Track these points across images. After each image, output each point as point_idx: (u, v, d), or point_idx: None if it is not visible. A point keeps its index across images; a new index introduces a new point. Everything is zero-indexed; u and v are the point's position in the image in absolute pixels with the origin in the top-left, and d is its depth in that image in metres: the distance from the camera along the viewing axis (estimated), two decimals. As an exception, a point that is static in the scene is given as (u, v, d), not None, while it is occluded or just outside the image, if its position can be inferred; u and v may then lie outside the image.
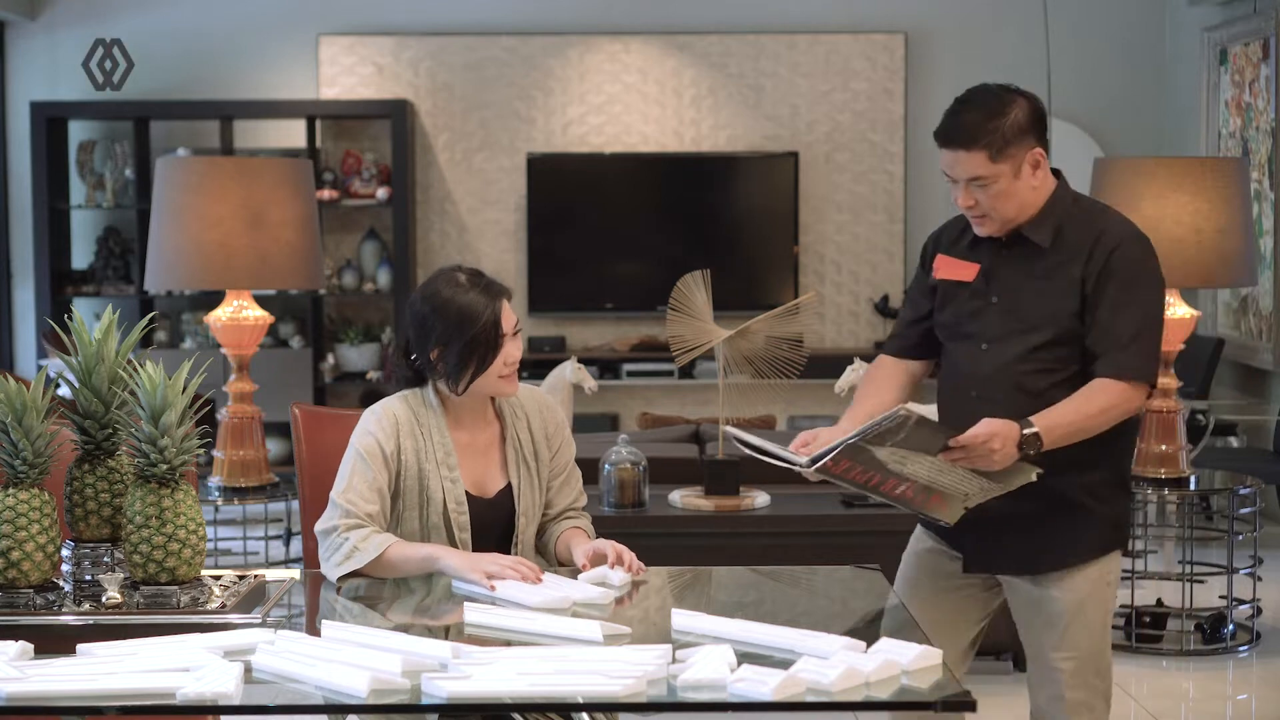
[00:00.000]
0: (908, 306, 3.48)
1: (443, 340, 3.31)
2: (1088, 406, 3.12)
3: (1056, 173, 3.30)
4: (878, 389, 3.41)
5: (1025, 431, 3.06)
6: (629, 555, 3.24)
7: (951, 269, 3.33)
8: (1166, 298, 5.49)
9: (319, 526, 3.28)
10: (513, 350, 3.34)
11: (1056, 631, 3.25)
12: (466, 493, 3.35)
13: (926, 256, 3.43)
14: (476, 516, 3.35)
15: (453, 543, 3.31)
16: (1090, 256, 3.18)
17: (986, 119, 3.14)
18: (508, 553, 3.36)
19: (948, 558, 3.33)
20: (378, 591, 3.17)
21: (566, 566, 3.32)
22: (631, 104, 9.01)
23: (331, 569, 3.22)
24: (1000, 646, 5.09)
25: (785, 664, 2.52)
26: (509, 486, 3.41)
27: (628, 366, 8.78)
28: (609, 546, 3.26)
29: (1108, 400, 3.13)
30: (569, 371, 4.96)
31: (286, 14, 8.95)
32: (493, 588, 3.07)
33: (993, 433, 3.02)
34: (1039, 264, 3.22)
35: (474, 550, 3.29)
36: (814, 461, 3.01)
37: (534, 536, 3.45)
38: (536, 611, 2.92)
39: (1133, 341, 3.14)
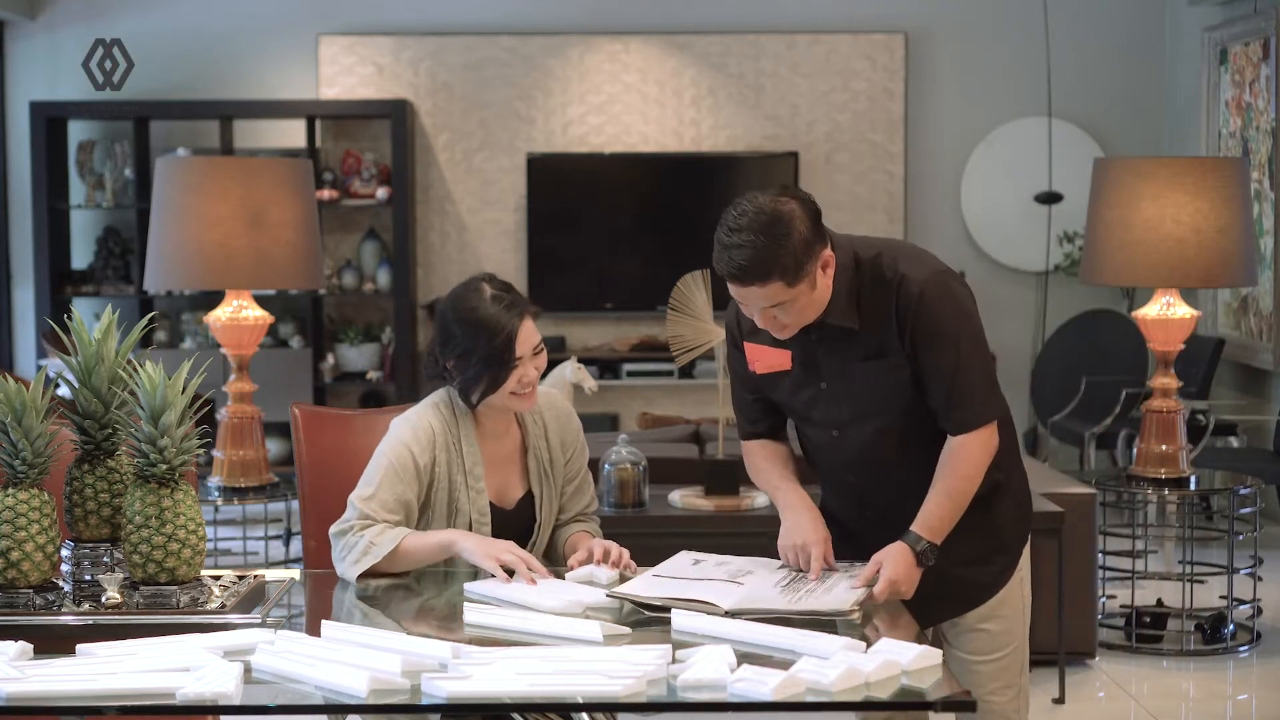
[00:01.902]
0: (740, 386, 3.30)
1: (458, 351, 3.29)
2: (956, 480, 3.07)
3: (823, 229, 3.02)
4: (778, 466, 3.29)
5: (918, 550, 3.04)
6: (615, 552, 3.24)
7: (766, 360, 3.18)
8: (1153, 307, 5.56)
9: (334, 529, 3.26)
10: (530, 370, 3.30)
11: (977, 632, 3.24)
12: (490, 503, 3.35)
13: (734, 338, 3.26)
14: (497, 526, 3.34)
15: None
16: (900, 319, 3.03)
17: (773, 248, 2.91)
18: None
19: None
20: (380, 592, 3.17)
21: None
22: (631, 104, 9.01)
23: (348, 568, 3.20)
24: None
25: (785, 664, 2.52)
26: (529, 495, 3.41)
27: (628, 366, 8.78)
28: (598, 545, 3.26)
29: (969, 459, 3.07)
30: (569, 371, 4.95)
31: (286, 14, 8.95)
32: (506, 577, 3.09)
33: (894, 580, 3.00)
34: (856, 345, 3.08)
35: None
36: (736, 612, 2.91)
37: (546, 541, 3.46)
38: (537, 611, 2.92)
39: (963, 395, 3.05)
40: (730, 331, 3.28)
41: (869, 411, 3.11)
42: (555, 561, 3.45)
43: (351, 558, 3.19)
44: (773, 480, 3.28)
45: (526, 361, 3.29)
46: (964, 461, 3.07)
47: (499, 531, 3.34)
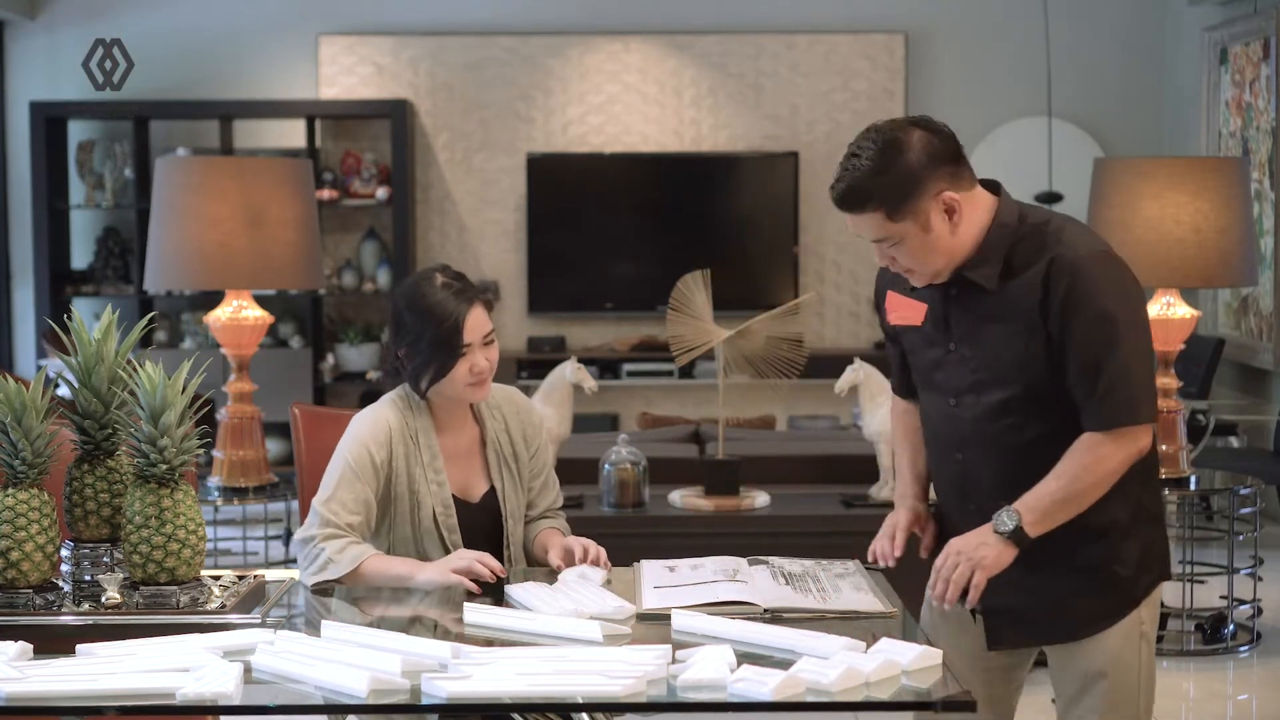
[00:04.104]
0: (889, 343, 3.15)
1: (408, 339, 3.30)
2: (1072, 471, 2.78)
3: (994, 186, 2.88)
4: (910, 445, 3.14)
5: (1000, 531, 2.79)
6: (594, 550, 3.25)
7: (901, 311, 2.99)
8: (1153, 307, 5.56)
9: (298, 535, 3.26)
10: (480, 359, 3.29)
11: (1088, 691, 2.94)
12: (454, 496, 3.35)
13: (878, 292, 3.08)
14: (464, 520, 3.34)
15: (444, 546, 3.30)
16: (1046, 290, 2.77)
17: (874, 174, 2.74)
18: (500, 556, 3.36)
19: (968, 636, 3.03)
20: (377, 591, 3.17)
21: (543, 566, 3.33)
22: (631, 104, 9.01)
23: (307, 578, 3.21)
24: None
25: (785, 664, 2.51)
26: (493, 490, 3.41)
27: (628, 366, 8.78)
28: (577, 544, 3.27)
29: (1094, 459, 2.78)
30: (569, 371, 4.95)
31: (286, 14, 8.95)
32: (479, 589, 3.09)
33: (954, 551, 2.82)
34: (991, 306, 2.84)
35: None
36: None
37: (523, 537, 3.45)
38: (536, 612, 2.92)
39: (1114, 384, 2.75)
40: (878, 278, 3.08)
41: (992, 380, 2.85)
42: (529, 560, 3.44)
43: (311, 570, 3.20)
44: (899, 463, 3.17)
45: (476, 350, 3.28)
46: (1088, 456, 2.77)
47: (466, 526, 3.34)
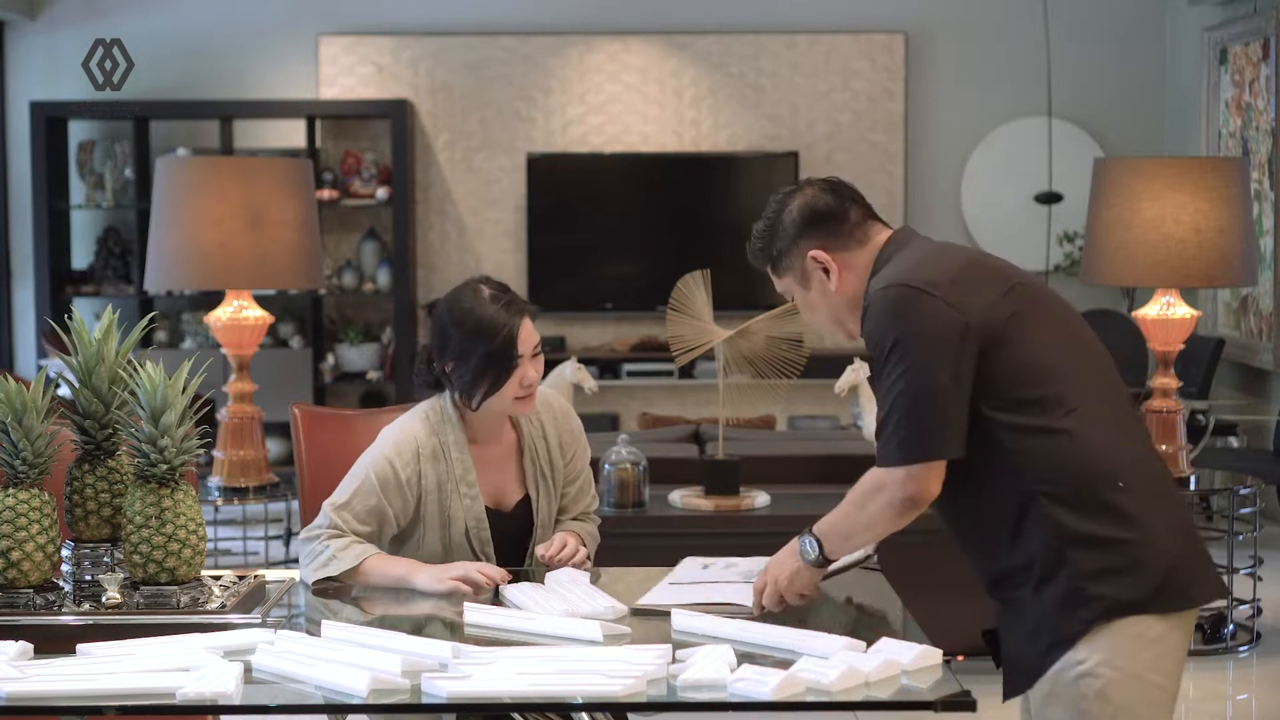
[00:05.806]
0: None
1: (457, 353, 3.26)
2: (851, 499, 2.72)
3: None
4: None
5: (800, 549, 2.79)
6: (573, 551, 3.28)
7: None
8: (1153, 307, 5.53)
9: (303, 534, 3.26)
10: (530, 371, 3.27)
11: None
12: (486, 508, 3.33)
13: None
14: (497, 530, 3.32)
15: (476, 558, 3.28)
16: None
17: (761, 233, 2.83)
18: (523, 562, 3.36)
19: None
20: (378, 591, 3.17)
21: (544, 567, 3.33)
22: (631, 104, 9.01)
23: (308, 574, 3.21)
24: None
25: (785, 664, 2.52)
26: (527, 498, 3.39)
27: (628, 366, 8.78)
28: (557, 539, 3.30)
29: (859, 494, 2.70)
30: (569, 371, 4.95)
31: (286, 14, 8.95)
32: (474, 591, 3.09)
33: (777, 583, 2.83)
34: None
35: (498, 561, 3.29)
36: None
37: None
38: (537, 611, 2.92)
39: (884, 422, 2.62)
40: None
41: None
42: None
43: (313, 565, 3.20)
44: None
45: (526, 362, 3.27)
46: (859, 493, 2.70)
47: (498, 534, 3.33)
